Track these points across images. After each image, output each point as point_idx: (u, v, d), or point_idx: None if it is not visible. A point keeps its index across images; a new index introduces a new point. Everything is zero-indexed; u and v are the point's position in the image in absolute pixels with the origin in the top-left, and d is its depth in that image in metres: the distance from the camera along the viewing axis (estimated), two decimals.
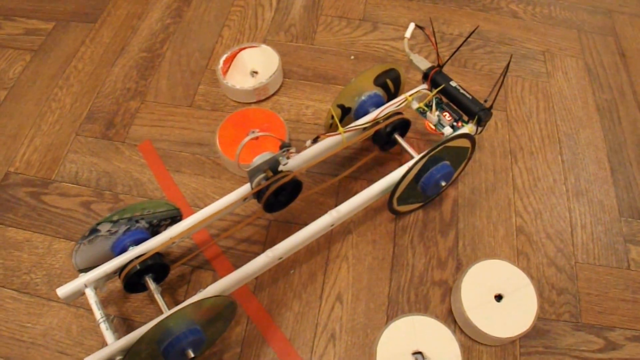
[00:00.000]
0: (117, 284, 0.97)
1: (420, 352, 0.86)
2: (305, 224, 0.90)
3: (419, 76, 1.06)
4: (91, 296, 0.85)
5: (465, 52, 1.30)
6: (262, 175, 0.90)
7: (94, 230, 0.85)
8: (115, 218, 0.86)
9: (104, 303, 0.96)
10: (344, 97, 1.01)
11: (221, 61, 1.21)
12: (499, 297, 0.91)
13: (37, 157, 1.16)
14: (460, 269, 0.99)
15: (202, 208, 0.91)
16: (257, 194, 0.91)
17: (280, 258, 0.89)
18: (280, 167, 0.91)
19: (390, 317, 0.94)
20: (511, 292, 0.91)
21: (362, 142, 1.13)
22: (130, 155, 1.15)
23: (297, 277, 0.99)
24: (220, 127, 1.11)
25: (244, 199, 0.92)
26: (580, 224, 1.05)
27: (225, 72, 1.20)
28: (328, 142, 0.98)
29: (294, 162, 0.94)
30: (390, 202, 0.96)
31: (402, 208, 1.01)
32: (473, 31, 1.05)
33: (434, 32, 1.32)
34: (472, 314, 0.89)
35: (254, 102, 1.22)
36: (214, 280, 0.86)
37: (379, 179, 0.94)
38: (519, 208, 1.06)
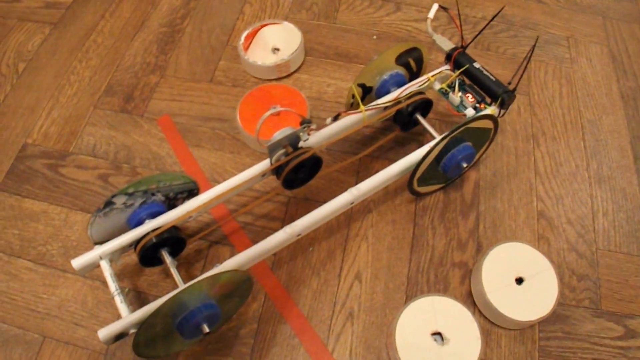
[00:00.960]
0: (133, 257, 0.97)
1: (439, 333, 0.85)
2: (325, 202, 0.89)
3: (441, 58, 1.05)
4: (106, 268, 0.85)
5: (488, 36, 1.28)
6: (282, 151, 0.89)
7: (109, 203, 0.84)
8: (130, 190, 0.85)
9: (119, 277, 0.95)
10: (365, 76, 1.00)
11: (242, 37, 1.20)
12: (519, 281, 0.90)
13: (55, 130, 1.15)
14: (480, 251, 0.98)
15: (220, 183, 0.90)
16: (276, 170, 0.90)
17: (299, 235, 0.88)
18: (301, 144, 0.90)
19: (409, 298, 0.94)
20: (532, 276, 0.90)
21: (383, 123, 1.11)
22: (149, 129, 1.14)
23: (316, 254, 0.98)
24: (241, 103, 1.10)
25: (263, 174, 0.91)
26: (602, 210, 1.04)
27: (246, 49, 1.19)
28: (349, 120, 0.96)
29: (314, 139, 0.93)
30: (410, 183, 0.95)
31: (423, 189, 1.00)
32: (498, 12, 1.04)
33: (459, 13, 1.30)
34: (492, 296, 0.88)
35: (275, 79, 1.21)
36: (232, 255, 0.85)
37: (399, 159, 0.93)
38: (540, 192, 1.05)
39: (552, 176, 1.07)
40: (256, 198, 1.04)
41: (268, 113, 0.88)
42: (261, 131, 1.02)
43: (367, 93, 1.04)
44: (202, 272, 0.95)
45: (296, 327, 0.91)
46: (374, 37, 1.28)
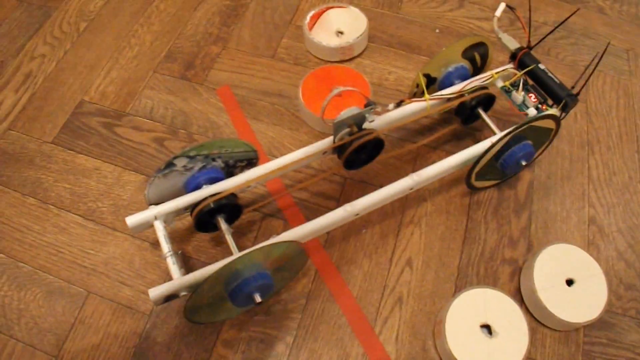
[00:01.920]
0: (183, 223, 0.97)
1: (488, 326, 0.85)
2: (381, 186, 0.89)
3: (502, 57, 1.05)
4: (160, 229, 0.85)
5: (549, 41, 1.28)
6: (346, 130, 0.89)
7: (170, 164, 0.84)
8: (192, 154, 0.85)
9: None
10: (431, 66, 1.00)
11: (308, 17, 1.20)
12: (569, 282, 0.90)
13: (113, 89, 1.16)
14: (531, 250, 0.98)
15: (277, 158, 0.90)
16: (339, 149, 0.90)
17: (357, 214, 0.88)
18: (365, 125, 0.91)
19: (458, 289, 0.93)
20: (582, 279, 0.90)
21: (441, 115, 1.11)
22: (208, 97, 1.14)
23: (369, 237, 0.98)
24: (304, 81, 1.10)
25: (324, 152, 0.91)
26: None
27: (310, 29, 1.19)
28: (412, 108, 0.97)
29: (377, 123, 0.93)
30: (469, 176, 0.95)
31: (479, 184, 1.00)
32: (572, 14, 1.04)
33: (530, 13, 1.29)
34: (543, 294, 0.88)
35: (337, 61, 1.21)
36: (285, 229, 0.85)
37: (457, 152, 0.93)
38: (592, 199, 1.05)
39: (605, 184, 1.07)
40: (313, 176, 1.04)
41: (335, 91, 0.88)
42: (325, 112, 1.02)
43: (431, 84, 1.04)
44: (254, 243, 0.95)
45: (345, 307, 0.91)
46: (437, 30, 1.28)
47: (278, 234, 0.83)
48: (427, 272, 0.95)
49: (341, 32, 1.19)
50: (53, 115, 1.12)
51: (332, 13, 1.22)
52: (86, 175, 1.04)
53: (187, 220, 0.96)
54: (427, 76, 1.02)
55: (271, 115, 1.12)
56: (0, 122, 1.12)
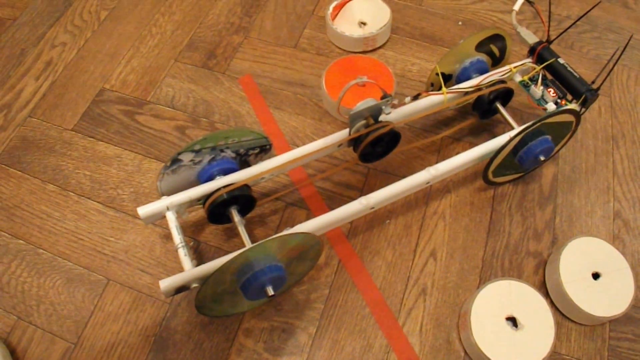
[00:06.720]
0: (197, 214, 0.96)
1: (513, 318, 0.84)
2: (404, 177, 0.88)
3: (522, 51, 1.03)
4: (172, 220, 0.84)
5: (572, 35, 1.27)
6: (362, 122, 0.88)
7: (175, 160, 0.83)
8: (196, 147, 0.83)
9: (182, 230, 0.94)
10: (443, 64, 0.99)
11: (331, 7, 1.20)
12: (596, 276, 0.89)
13: (134, 78, 1.15)
14: (555, 243, 0.97)
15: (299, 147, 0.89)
16: (354, 142, 0.89)
17: (373, 208, 0.87)
18: (382, 117, 0.90)
19: (482, 281, 0.93)
20: (609, 273, 0.89)
21: (463, 107, 1.10)
22: (230, 86, 1.14)
23: (393, 227, 0.97)
24: (327, 70, 1.09)
25: (339, 144, 0.90)
26: None
27: (333, 19, 1.19)
28: (429, 101, 0.95)
29: (394, 115, 0.92)
30: (485, 174, 0.94)
31: (497, 179, 0.99)
32: (594, 6, 1.02)
33: (550, 7, 1.28)
34: (569, 287, 0.87)
35: (359, 52, 1.20)
36: (308, 218, 0.85)
37: (481, 143, 0.92)
38: (617, 193, 1.04)
39: (630, 179, 1.06)
40: (335, 165, 1.03)
41: (354, 82, 0.87)
42: (345, 101, 1.01)
43: (447, 80, 1.03)
44: (276, 232, 0.95)
45: (368, 298, 0.91)
46: (460, 23, 1.27)
47: (292, 226, 0.82)
48: (451, 263, 0.94)
49: (364, 23, 1.18)
50: (73, 102, 1.12)
51: (354, 4, 1.21)
52: (106, 163, 1.04)
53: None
54: (442, 74, 1.01)
55: (294, 104, 1.11)
56: (21, 110, 1.12)
